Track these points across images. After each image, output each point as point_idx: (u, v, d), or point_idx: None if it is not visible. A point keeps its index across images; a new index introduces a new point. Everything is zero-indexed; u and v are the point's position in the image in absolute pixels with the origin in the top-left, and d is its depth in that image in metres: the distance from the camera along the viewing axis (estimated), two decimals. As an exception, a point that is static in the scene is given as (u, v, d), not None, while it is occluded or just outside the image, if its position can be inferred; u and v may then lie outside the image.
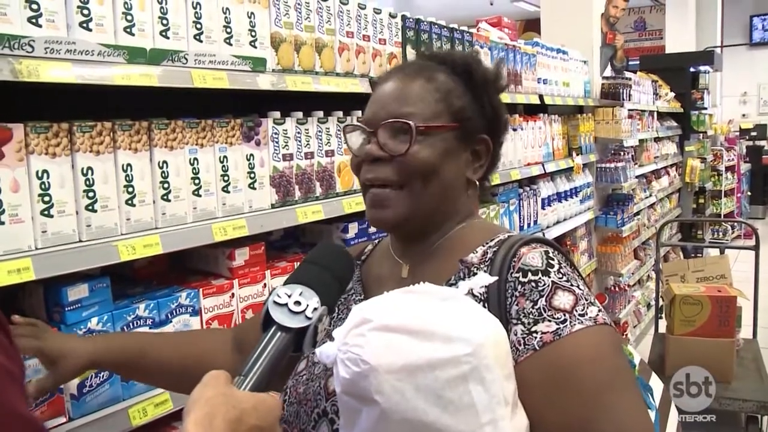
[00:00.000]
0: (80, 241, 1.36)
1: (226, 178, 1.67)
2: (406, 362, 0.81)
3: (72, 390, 1.36)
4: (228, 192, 1.68)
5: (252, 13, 1.71)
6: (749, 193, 11.01)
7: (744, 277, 4.16)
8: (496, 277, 0.99)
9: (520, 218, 3.45)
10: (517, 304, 0.98)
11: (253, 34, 1.72)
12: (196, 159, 1.59)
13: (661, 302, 4.39)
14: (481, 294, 1.00)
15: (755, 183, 11.41)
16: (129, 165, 1.44)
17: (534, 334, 0.95)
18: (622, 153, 5.16)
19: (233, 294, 1.72)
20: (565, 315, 0.95)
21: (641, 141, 5.92)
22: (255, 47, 1.72)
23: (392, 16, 2.30)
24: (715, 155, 8.61)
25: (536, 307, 0.97)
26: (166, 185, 1.52)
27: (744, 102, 14.78)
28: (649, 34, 14.45)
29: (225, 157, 1.67)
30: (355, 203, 2.12)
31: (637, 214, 5.74)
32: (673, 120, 7.41)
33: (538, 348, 0.94)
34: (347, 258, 1.03)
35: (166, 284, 1.66)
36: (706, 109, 7.79)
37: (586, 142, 4.46)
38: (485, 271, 1.04)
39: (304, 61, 1.90)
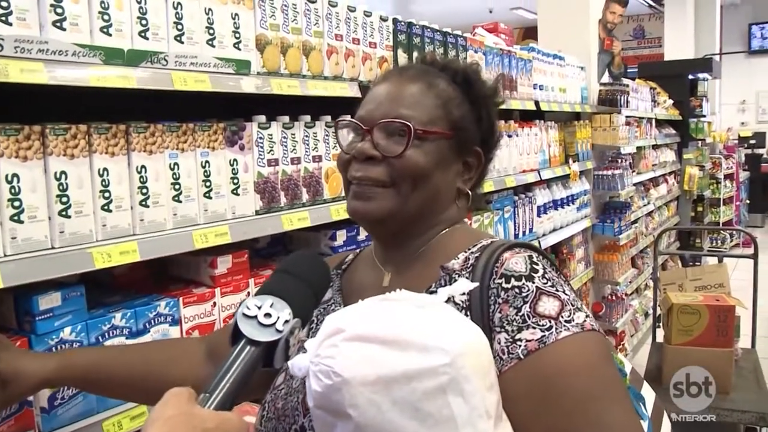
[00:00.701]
0: (53, 247, 1.32)
1: (208, 183, 1.63)
2: (381, 374, 0.77)
3: (42, 403, 1.31)
4: (210, 198, 1.64)
5: (236, 14, 1.67)
6: (748, 202, 10.98)
7: (742, 286, 4.13)
8: (477, 283, 0.95)
9: (515, 226, 3.40)
10: (500, 312, 0.94)
11: (237, 35, 1.68)
12: (176, 164, 1.55)
13: (658, 311, 4.34)
14: (462, 302, 0.96)
15: (754, 191, 11.39)
16: (105, 169, 1.40)
17: (518, 342, 0.91)
18: (619, 160, 5.13)
19: (215, 303, 1.67)
20: (550, 321, 0.91)
21: (639, 148, 5.88)
22: (239, 49, 1.68)
23: (383, 19, 2.26)
24: (713, 163, 8.59)
25: (520, 313, 0.93)
26: (144, 191, 1.48)
27: (743, 110, 14.79)
28: (648, 41, 14.45)
29: (207, 162, 1.62)
30: (344, 210, 2.07)
31: (635, 222, 5.70)
32: (672, 127, 7.38)
33: (522, 357, 0.90)
34: (323, 267, 0.99)
35: (145, 292, 1.62)
36: (704, 116, 7.77)
37: (583, 149, 4.42)
38: (467, 278, 1.00)
39: (290, 64, 1.86)
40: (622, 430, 0.87)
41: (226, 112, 1.89)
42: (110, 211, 1.41)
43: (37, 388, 1.16)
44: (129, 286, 1.67)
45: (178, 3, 1.52)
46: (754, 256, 4.28)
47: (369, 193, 1.05)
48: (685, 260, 7.07)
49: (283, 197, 1.86)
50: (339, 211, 2.05)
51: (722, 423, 3.42)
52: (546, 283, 0.96)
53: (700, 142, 7.81)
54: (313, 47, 1.93)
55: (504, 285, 0.96)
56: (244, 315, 0.85)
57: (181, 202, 1.56)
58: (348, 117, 1.14)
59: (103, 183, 1.40)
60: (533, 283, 0.95)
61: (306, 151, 1.93)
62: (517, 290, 0.95)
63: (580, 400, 0.87)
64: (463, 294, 0.97)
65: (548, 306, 0.93)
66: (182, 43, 1.53)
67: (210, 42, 1.60)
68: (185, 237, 1.55)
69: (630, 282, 5.53)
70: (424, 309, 0.83)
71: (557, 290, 0.95)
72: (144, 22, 1.45)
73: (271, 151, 1.81)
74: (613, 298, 5.13)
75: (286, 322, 0.85)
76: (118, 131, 1.43)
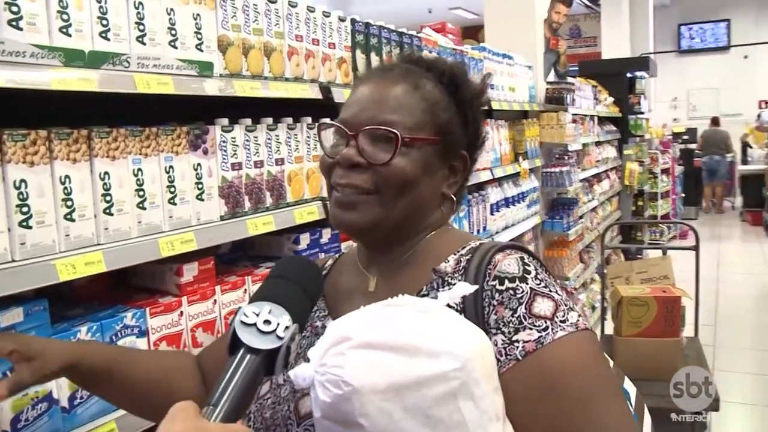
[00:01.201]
0: (13, 260, 1.25)
1: (172, 189, 1.58)
2: (392, 381, 0.75)
3: (5, 426, 1.25)
4: (175, 204, 1.59)
5: (198, 14, 1.62)
6: (683, 195, 11.38)
7: (683, 277, 4.27)
8: (476, 286, 0.95)
9: (469, 224, 3.43)
10: (495, 313, 0.94)
11: (200, 36, 1.63)
12: (140, 169, 1.49)
13: (606, 304, 4.45)
14: (456, 305, 0.96)
15: (688, 185, 11.83)
16: (67, 177, 1.34)
17: (516, 344, 0.91)
18: (566, 157, 5.23)
19: (182, 312, 1.62)
20: (546, 322, 0.92)
21: (584, 145, 6.02)
22: (201, 51, 1.64)
23: (341, 19, 2.24)
24: (651, 158, 8.86)
25: (516, 315, 0.93)
26: (108, 198, 1.42)
27: (674, 107, 15.38)
28: (584, 40, 14.85)
29: (171, 167, 1.57)
30: (307, 213, 2.05)
31: (581, 217, 5.83)
32: (612, 124, 7.58)
33: (520, 358, 0.90)
34: (316, 271, 0.97)
35: (108, 304, 1.55)
36: (643, 113, 8.01)
37: (531, 146, 4.49)
38: (459, 280, 1.00)
39: (252, 65, 1.82)
40: (620, 428, 0.88)
41: (177, 116, 1.84)
42: (73, 220, 1.35)
43: (61, 369, 1.06)
44: (90, 298, 1.61)
45: (140, 2, 1.47)
46: (696, 248, 4.43)
47: (353, 202, 1.03)
48: (628, 253, 7.28)
49: (247, 202, 1.82)
50: (302, 215, 2.02)
51: (670, 411, 3.51)
52: (539, 284, 0.96)
53: (638, 138, 8.04)
54: (274, 48, 1.90)
55: (498, 287, 0.96)
56: (243, 323, 0.82)
57: (145, 209, 1.51)
58: (328, 119, 1.11)
59: (66, 191, 1.34)
60: (527, 284, 0.96)
61: (269, 154, 1.90)
62: (511, 292, 0.95)
63: (579, 399, 0.88)
64: (459, 297, 0.96)
65: (543, 306, 0.93)
66: (144, 44, 1.48)
67: (172, 43, 1.55)
68: (151, 245, 1.50)
69: (578, 277, 5.65)
70: (428, 314, 0.83)
71: (550, 290, 0.96)
72: (105, 22, 1.39)
73: (234, 154, 1.76)
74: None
75: (287, 328, 0.83)
76: (80, 136, 1.37)
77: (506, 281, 0.96)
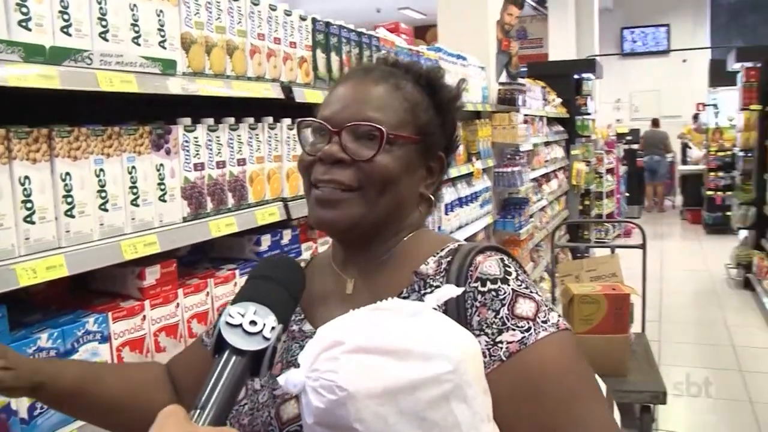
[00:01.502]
0: (-29, 265, 1.20)
1: (135, 190, 1.54)
2: (387, 385, 0.75)
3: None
4: (137, 206, 1.55)
5: (161, 10, 1.59)
6: (627, 194, 11.70)
7: (628, 274, 4.40)
8: (463, 289, 0.95)
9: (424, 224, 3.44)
10: (478, 315, 0.95)
11: (163, 33, 1.59)
12: (102, 170, 1.45)
13: (556, 302, 4.54)
14: (438, 306, 0.96)
15: (631, 184, 12.17)
16: (27, 177, 1.29)
17: (499, 345, 0.92)
18: (517, 157, 5.31)
19: (145, 316, 1.58)
20: (528, 323, 0.93)
21: (533, 145, 6.12)
22: (164, 48, 1.60)
23: (302, 18, 2.22)
24: (597, 159, 9.07)
25: (499, 316, 0.94)
26: (69, 199, 1.37)
27: (618, 108, 15.80)
28: (530, 42, 15.08)
29: (133, 167, 1.53)
30: (268, 214, 2.03)
31: (531, 216, 5.93)
32: (560, 125, 7.73)
33: (505, 359, 0.91)
34: (299, 270, 0.96)
35: (67, 309, 1.51)
36: (589, 114, 8.20)
37: (484, 147, 4.55)
38: (441, 282, 1.01)
39: (215, 64, 1.79)
40: (603, 426, 0.90)
41: (137, 113, 1.79)
42: (33, 222, 1.30)
43: (29, 390, 1.03)
44: (47, 303, 1.56)
45: (101, -2, 1.43)
46: (643, 246, 4.57)
47: (334, 199, 1.03)
48: (576, 252, 7.44)
49: (209, 203, 1.79)
50: (264, 216, 2.00)
51: (620, 405, 3.61)
52: (520, 285, 0.98)
53: (585, 138, 8.22)
54: (236, 47, 1.87)
55: (480, 288, 0.97)
56: (228, 324, 0.81)
57: (107, 210, 1.47)
58: (309, 118, 1.10)
59: (25, 192, 1.29)
60: (508, 285, 0.97)
61: (231, 155, 1.87)
62: (493, 293, 0.96)
63: (563, 399, 0.89)
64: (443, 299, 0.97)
65: (525, 307, 0.95)
66: (107, 40, 1.44)
67: (135, 40, 1.52)
68: (113, 248, 1.46)
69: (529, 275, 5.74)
70: (418, 317, 0.83)
71: (531, 292, 0.97)
72: (66, 17, 1.34)
73: (197, 154, 1.73)
74: (515, 291, 5.29)
75: (273, 328, 0.82)
76: (40, 135, 1.32)
77: (488, 283, 0.97)
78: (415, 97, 1.08)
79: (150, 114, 1.81)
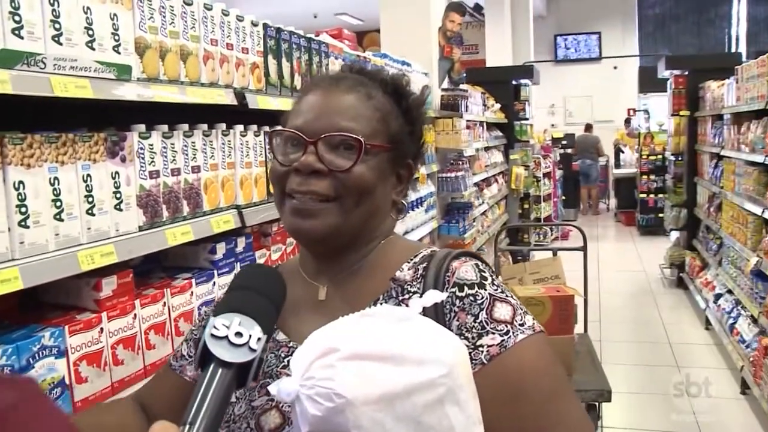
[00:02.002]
0: None
1: (90, 199, 1.50)
2: (384, 391, 0.76)
3: None
4: (93, 215, 1.51)
5: (115, 14, 1.55)
6: (563, 198, 12.01)
7: (569, 276, 4.51)
8: (447, 294, 0.97)
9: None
10: (457, 320, 0.97)
11: (117, 38, 1.56)
12: (56, 178, 1.41)
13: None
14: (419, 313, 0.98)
15: (567, 188, 12.49)
16: (-21, 187, 1.24)
17: (480, 348, 0.95)
18: (460, 162, 5.39)
19: (102, 329, 1.54)
20: (507, 326, 0.96)
21: (475, 150, 6.22)
22: (119, 53, 1.57)
23: (254, 24, 2.21)
24: (535, 163, 9.28)
25: (478, 320, 0.97)
26: (23, 209, 1.33)
27: (552, 113, 16.24)
28: (467, 48, 15.32)
29: (89, 175, 1.50)
30: (223, 222, 2.01)
31: (474, 220, 6.03)
32: (499, 130, 7.88)
33: (486, 362, 0.94)
34: (279, 279, 0.96)
35: (19, 323, 1.45)
36: (527, 119, 8.39)
37: (428, 152, 4.60)
38: (419, 288, 1.02)
39: (169, 69, 1.76)
40: (579, 423, 0.94)
41: (88, 120, 1.75)
42: (-14, 234, 1.26)
43: None
44: (-4, 317, 1.50)
45: None
46: (584, 249, 4.70)
47: (312, 209, 1.03)
48: (516, 255, 7.59)
49: (165, 211, 1.76)
50: (219, 224, 1.98)
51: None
52: (497, 290, 1.00)
53: (523, 143, 8.41)
54: (190, 52, 1.85)
55: (458, 293, 0.99)
56: (213, 336, 0.80)
57: (63, 220, 1.43)
58: (279, 126, 1.10)
59: (-23, 203, 1.24)
60: (485, 290, 0.99)
61: (185, 162, 1.84)
62: (471, 298, 0.98)
63: (543, 399, 0.93)
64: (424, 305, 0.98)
65: (503, 311, 0.97)
66: (61, 44, 1.40)
67: (89, 44, 1.48)
68: (70, 259, 1.42)
69: (473, 279, 5.81)
70: (407, 322, 0.84)
71: (507, 296, 1.00)
72: (17, 18, 1.30)
73: (152, 162, 1.70)
74: (460, 295, 5.36)
75: (259, 339, 0.82)
76: (-8, 143, 1.27)
77: (465, 288, 0.99)
78: (386, 106, 1.09)
79: (97, 120, 1.77)
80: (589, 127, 13.82)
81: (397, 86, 1.13)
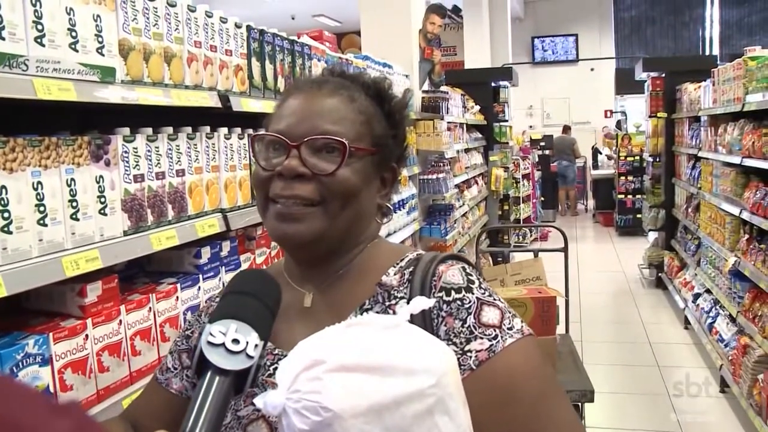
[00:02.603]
0: None
1: (74, 203, 1.48)
2: (372, 403, 0.76)
3: None
4: (77, 220, 1.49)
5: (98, 15, 1.53)
6: (542, 199, 12.09)
7: (550, 277, 4.54)
8: (434, 300, 0.97)
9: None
10: (445, 325, 0.97)
11: (100, 39, 1.54)
12: (39, 183, 1.39)
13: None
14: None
15: (546, 189, 12.58)
16: (-39, 192, 1.22)
17: (468, 354, 0.94)
18: (441, 164, 5.41)
19: (87, 336, 1.52)
20: (495, 330, 0.96)
21: (456, 152, 6.24)
22: (102, 55, 1.55)
23: (237, 26, 2.20)
24: (514, 164, 9.33)
25: (466, 325, 0.96)
26: (6, 214, 1.30)
27: (530, 114, 16.35)
28: (445, 50, 15.37)
29: (72, 179, 1.47)
30: (208, 226, 1.99)
31: (455, 222, 6.04)
32: (479, 132, 7.92)
33: (475, 367, 0.93)
34: (274, 283, 0.95)
35: (2, 330, 1.43)
36: (506, 121, 8.43)
37: (410, 154, 4.61)
38: (405, 293, 1.02)
39: (153, 72, 1.74)
40: (571, 426, 0.94)
41: (70, 123, 1.73)
42: (-31, 240, 1.23)
43: None
44: (-22, 326, 1.47)
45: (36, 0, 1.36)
46: (565, 249, 4.74)
47: (297, 214, 1.02)
48: (497, 257, 7.63)
49: (150, 215, 1.74)
50: (204, 228, 1.97)
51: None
52: (484, 293, 1.00)
53: (503, 144, 8.45)
54: (174, 54, 1.83)
55: (445, 298, 0.99)
56: (210, 343, 0.80)
57: (46, 225, 1.40)
58: (259, 132, 1.09)
59: (-40, 208, 1.22)
60: (473, 294, 0.99)
61: (170, 165, 1.83)
62: (459, 302, 0.98)
63: (533, 403, 0.93)
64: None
65: (490, 315, 0.97)
66: (43, 45, 1.38)
67: (73, 46, 1.46)
68: (54, 265, 1.39)
69: (455, 280, 5.83)
70: (395, 331, 0.83)
71: (494, 299, 1.00)
72: (-1, 20, 1.28)
73: (136, 165, 1.68)
74: (443, 297, 5.38)
75: (256, 346, 0.81)
76: (-26, 147, 1.25)
77: (453, 292, 0.99)
78: (369, 109, 1.09)
79: (81, 123, 1.75)
80: (567, 129, 13.95)
81: (379, 89, 1.13)
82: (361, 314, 1.02)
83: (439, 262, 1.04)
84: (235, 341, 0.80)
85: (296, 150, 1.02)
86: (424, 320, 0.97)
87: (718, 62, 7.18)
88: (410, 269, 1.05)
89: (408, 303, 0.98)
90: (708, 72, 5.48)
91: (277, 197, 1.03)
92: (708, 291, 5.45)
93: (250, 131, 2.28)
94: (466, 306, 0.98)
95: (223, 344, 0.80)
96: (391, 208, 1.17)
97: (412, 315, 0.96)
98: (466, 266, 1.05)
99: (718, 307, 5.13)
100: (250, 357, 0.80)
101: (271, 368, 1.03)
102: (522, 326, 0.98)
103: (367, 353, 0.79)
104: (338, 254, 1.09)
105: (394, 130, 1.13)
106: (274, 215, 1.04)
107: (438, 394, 0.79)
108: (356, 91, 1.10)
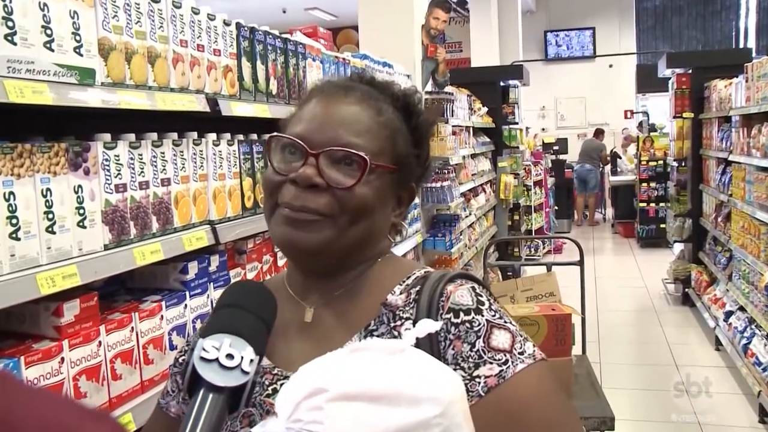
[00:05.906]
0: None
1: (50, 215, 1.49)
2: None
3: None
4: (53, 233, 1.50)
5: (75, 12, 1.55)
6: (556, 208, 12.10)
7: (564, 293, 4.54)
8: (441, 324, 0.98)
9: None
10: (453, 348, 0.98)
11: (78, 38, 1.56)
12: (12, 193, 1.40)
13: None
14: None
15: (560, 197, 12.59)
16: (-71, 204, 1.23)
17: (477, 379, 0.95)
18: (446, 171, 5.41)
19: (63, 358, 1.53)
20: (505, 355, 0.97)
21: (462, 158, 6.25)
22: (81, 55, 1.56)
23: (226, 23, 2.22)
24: (525, 171, 9.36)
25: (475, 349, 0.98)
26: (-23, 228, 1.32)
27: (543, 116, 16.37)
28: (449, 46, 15.46)
29: (48, 189, 1.49)
30: (196, 239, 2.00)
31: (461, 234, 6.05)
32: (486, 135, 7.93)
33: (483, 394, 0.94)
34: (269, 295, 0.97)
35: (-31, 354, 1.44)
36: (517, 123, 8.45)
37: (431, 174, 4.61)
38: (411, 314, 1.03)
39: (135, 73, 1.76)
40: None
41: (46, 128, 1.74)
42: (-63, 256, 1.24)
43: None
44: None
45: (8, -4, 1.38)
46: (581, 263, 4.74)
47: (305, 220, 1.03)
48: (506, 271, 7.64)
49: (132, 228, 1.75)
50: (191, 241, 1.98)
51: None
52: (494, 316, 1.01)
53: (513, 149, 8.47)
54: (158, 54, 1.85)
55: (453, 320, 1.00)
56: (203, 359, 0.81)
57: (19, 239, 1.41)
58: (277, 133, 1.10)
59: (-73, 221, 1.23)
60: (482, 316, 1.00)
61: (154, 174, 1.84)
62: (468, 325, 0.99)
63: (545, 431, 0.94)
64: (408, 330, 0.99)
65: (501, 339, 0.98)
66: (15, 44, 1.39)
67: (48, 45, 1.47)
68: (27, 282, 1.41)
69: (462, 297, 5.82)
70: (399, 357, 0.84)
71: (505, 322, 1.01)
72: (-34, 17, 1.30)
73: (118, 174, 1.70)
74: (449, 315, 5.38)
75: (251, 361, 0.82)
76: (-56, 156, 1.27)
77: (461, 314, 1.00)
78: (395, 123, 1.10)
79: (58, 129, 1.76)
80: (599, 133, 13.77)
81: (408, 102, 1.14)
82: (366, 336, 1.04)
83: (447, 281, 1.05)
84: (230, 356, 0.82)
85: (314, 158, 1.03)
86: (430, 343, 0.99)
87: (754, 56, 7.18)
88: (417, 288, 1.06)
89: (414, 325, 1.00)
90: (741, 67, 5.47)
91: (286, 205, 1.05)
92: (741, 308, 5.44)
93: (241, 137, 2.30)
94: (475, 329, 0.99)
95: (216, 360, 0.81)
96: (406, 226, 1.18)
97: (417, 339, 0.97)
98: (476, 286, 1.06)
99: (753, 326, 5.11)
100: (245, 373, 0.82)
101: (270, 388, 1.04)
102: (534, 351, 0.99)
103: (370, 381, 0.80)
104: (344, 268, 1.11)
105: (418, 149, 1.15)
106: (281, 219, 1.05)
107: (444, 424, 0.80)
108: (384, 102, 1.11)
